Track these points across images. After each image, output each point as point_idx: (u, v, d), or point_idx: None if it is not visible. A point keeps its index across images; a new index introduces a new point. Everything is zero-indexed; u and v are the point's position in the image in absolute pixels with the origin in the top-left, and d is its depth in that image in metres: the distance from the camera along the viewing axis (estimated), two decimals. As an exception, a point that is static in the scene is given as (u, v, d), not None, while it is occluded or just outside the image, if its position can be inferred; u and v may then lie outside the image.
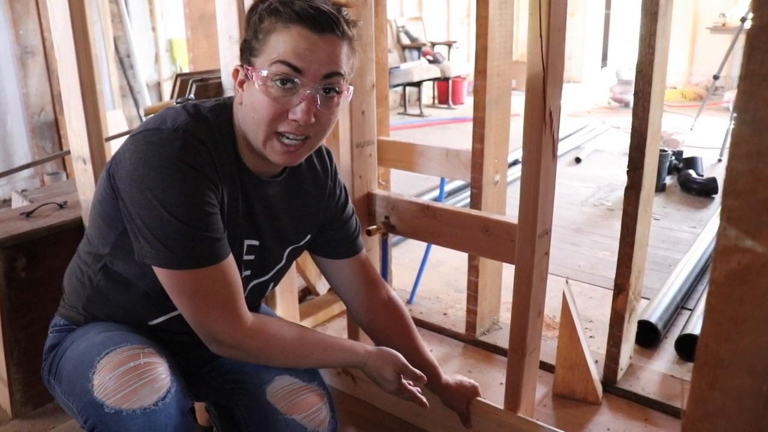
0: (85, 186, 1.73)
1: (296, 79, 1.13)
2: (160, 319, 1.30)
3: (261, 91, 1.14)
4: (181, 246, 1.12)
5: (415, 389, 1.41)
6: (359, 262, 1.51)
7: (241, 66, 1.19)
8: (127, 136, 1.17)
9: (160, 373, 1.12)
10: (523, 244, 1.48)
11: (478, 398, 1.68)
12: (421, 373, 1.38)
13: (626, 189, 1.83)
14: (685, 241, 3.23)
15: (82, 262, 1.30)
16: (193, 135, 1.14)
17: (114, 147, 2.55)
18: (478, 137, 2.02)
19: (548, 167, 1.45)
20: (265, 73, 1.13)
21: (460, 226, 1.64)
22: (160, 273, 1.15)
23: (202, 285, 1.15)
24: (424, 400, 1.41)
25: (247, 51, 1.18)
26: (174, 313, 1.27)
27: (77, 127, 1.69)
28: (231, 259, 1.19)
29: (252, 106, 1.17)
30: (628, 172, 1.82)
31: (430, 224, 1.69)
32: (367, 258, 1.53)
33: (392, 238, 2.57)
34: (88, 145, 1.69)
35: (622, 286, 1.89)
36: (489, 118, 2.01)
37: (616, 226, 3.47)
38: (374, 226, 1.76)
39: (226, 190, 1.21)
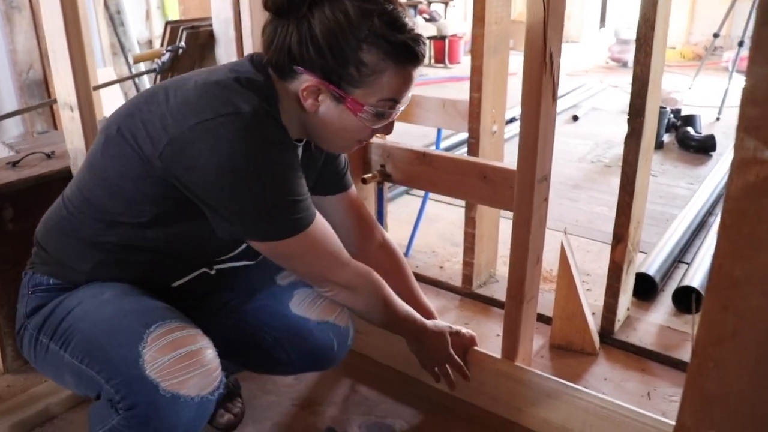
0: (72, 134, 1.68)
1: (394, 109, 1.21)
2: (185, 280, 1.33)
3: (358, 119, 1.19)
4: (289, 218, 1.16)
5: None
6: (350, 200, 1.49)
7: (323, 83, 1.16)
8: (183, 125, 1.11)
9: (213, 359, 1.13)
10: (522, 189, 1.44)
11: (475, 348, 1.67)
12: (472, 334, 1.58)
13: (626, 137, 1.79)
14: (682, 197, 3.21)
15: (87, 227, 1.22)
16: (270, 113, 1.16)
17: (103, 96, 2.50)
18: (476, 86, 1.97)
19: (548, 110, 1.41)
20: (371, 109, 1.17)
21: (457, 173, 1.61)
22: (267, 246, 1.19)
23: (310, 243, 1.21)
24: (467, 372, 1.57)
25: (336, 74, 1.15)
26: (198, 272, 1.33)
27: (63, 72, 1.63)
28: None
29: (337, 125, 1.21)
30: (628, 119, 1.78)
31: (426, 172, 1.65)
32: (359, 198, 1.51)
33: (388, 193, 2.54)
34: (74, 92, 1.63)
35: (620, 237, 1.86)
36: (487, 67, 1.96)
37: (614, 182, 3.44)
38: (369, 175, 1.73)
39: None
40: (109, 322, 1.16)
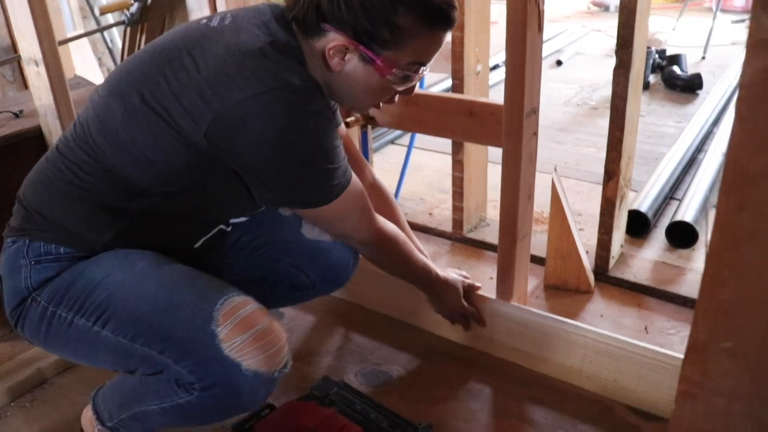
0: (40, 90, 1.61)
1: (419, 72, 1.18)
2: (202, 241, 1.31)
3: (384, 80, 1.16)
4: (332, 184, 1.17)
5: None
6: (341, 137, 1.43)
7: (352, 42, 1.12)
8: (230, 100, 1.05)
9: (282, 333, 1.14)
10: (510, 124, 1.39)
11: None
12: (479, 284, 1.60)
13: (615, 69, 1.74)
14: (670, 135, 3.17)
15: (106, 196, 1.15)
16: (315, 83, 1.13)
17: (74, 54, 2.41)
18: (458, 24, 1.90)
19: (534, 41, 1.36)
20: (399, 72, 1.15)
21: (443, 112, 1.56)
22: (311, 211, 1.20)
23: (344, 206, 1.21)
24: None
25: (367, 35, 1.11)
26: (215, 230, 1.32)
27: (23, 25, 1.55)
28: None
29: (362, 85, 1.17)
30: (616, 51, 1.73)
31: (411, 112, 1.60)
32: (349, 137, 1.47)
33: (372, 143, 2.48)
34: (38, 46, 1.55)
35: (612, 172, 1.83)
36: (468, 4, 1.89)
37: (601, 123, 3.41)
38: (352, 118, 1.67)
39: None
40: (161, 297, 1.11)
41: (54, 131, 1.62)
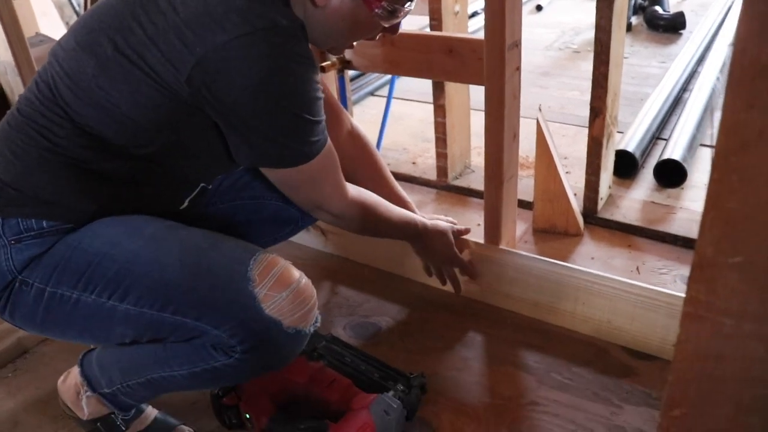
0: (-2, 47, 1.54)
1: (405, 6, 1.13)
2: (186, 202, 1.24)
3: (372, 15, 1.11)
4: (312, 140, 1.10)
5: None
6: None
7: None
8: (213, 41, 0.98)
9: (313, 289, 1.11)
10: (491, 58, 1.33)
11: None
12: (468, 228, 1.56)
13: (598, 2, 1.67)
14: (655, 76, 3.11)
15: (86, 160, 1.07)
16: (300, 25, 1.06)
17: (37, 15, 2.31)
18: (435, -37, 1.83)
19: (514, -30, 1.29)
20: (387, 5, 1.10)
21: (421, 51, 1.49)
22: (285, 172, 1.13)
23: (320, 168, 1.16)
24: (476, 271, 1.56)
25: None
26: (197, 191, 1.24)
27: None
28: None
29: (348, 21, 1.12)
30: (599, -19, 1.66)
31: (388, 53, 1.53)
32: (325, 83, 1.40)
33: (352, 96, 2.41)
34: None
35: (598, 110, 1.77)
36: (444, -61, 1.81)
37: (584, 67, 3.36)
38: (328, 62, 1.60)
39: None
40: (190, 263, 1.05)
41: (15, 89, 1.55)
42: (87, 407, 1.24)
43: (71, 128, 1.05)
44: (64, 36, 1.12)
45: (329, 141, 1.16)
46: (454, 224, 1.56)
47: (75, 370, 1.27)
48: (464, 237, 1.57)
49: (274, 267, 1.05)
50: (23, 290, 1.07)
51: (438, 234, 1.48)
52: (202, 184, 1.26)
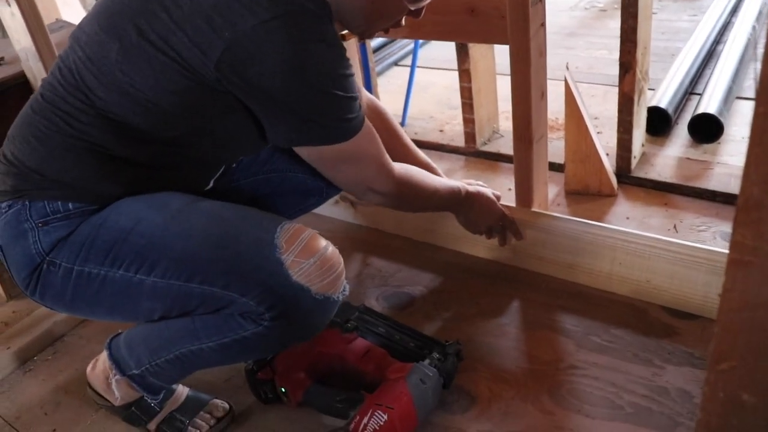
0: (18, 33, 1.53)
1: None
2: (212, 183, 1.26)
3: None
4: (347, 118, 1.09)
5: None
6: None
7: None
8: (243, 25, 0.97)
9: (341, 258, 1.10)
10: (515, 16, 1.29)
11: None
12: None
13: (625, -48, 1.62)
14: (686, 30, 3.02)
15: (110, 146, 1.07)
16: (327, 8, 1.06)
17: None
18: None
19: None
20: None
21: (442, 12, 1.45)
22: (328, 151, 1.12)
23: (361, 146, 1.15)
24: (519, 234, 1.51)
25: None
26: (220, 171, 1.26)
27: (-8, -38, 1.46)
28: None
29: (377, 3, 1.11)
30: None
31: (409, 17, 1.49)
32: None
33: (375, 67, 2.38)
34: (10, -16, 1.47)
35: (628, 65, 1.72)
36: None
37: (612, 25, 3.27)
38: (346, 31, 1.57)
39: None
40: (216, 233, 1.04)
41: (38, 74, 1.55)
42: (118, 391, 1.24)
43: (94, 114, 1.05)
44: (85, 19, 1.11)
45: (367, 120, 1.15)
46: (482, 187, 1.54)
47: (103, 356, 1.27)
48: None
49: (300, 234, 1.05)
50: (51, 271, 1.07)
51: (481, 197, 1.45)
52: (224, 166, 1.26)
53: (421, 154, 1.52)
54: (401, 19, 1.18)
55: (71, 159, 1.07)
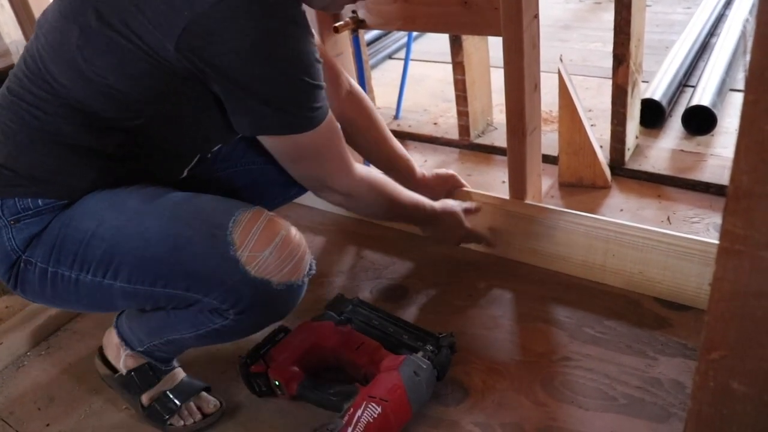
0: (7, 26, 1.52)
1: None
2: (185, 172, 1.24)
3: None
4: (310, 107, 1.06)
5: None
6: None
7: None
8: (202, 4, 0.93)
9: (300, 236, 1.08)
10: (508, 7, 1.29)
11: (467, 189, 1.60)
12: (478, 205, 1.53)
13: (618, -57, 1.61)
14: (680, 22, 3.02)
15: (75, 135, 1.05)
16: None
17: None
18: None
19: None
20: None
21: (436, 4, 1.45)
22: (287, 142, 1.09)
23: (322, 140, 1.12)
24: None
25: None
26: (195, 161, 1.23)
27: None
28: None
29: None
30: None
31: (402, 9, 1.49)
32: (321, 44, 1.38)
33: (369, 60, 2.37)
34: (-1, -24, 1.46)
35: (621, 57, 1.71)
36: None
37: (606, 18, 3.26)
38: (341, 23, 1.57)
39: None
40: (168, 234, 1.03)
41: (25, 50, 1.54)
42: (124, 364, 1.29)
43: (59, 104, 1.03)
44: (49, 5, 1.08)
45: (331, 113, 1.12)
46: (454, 176, 1.59)
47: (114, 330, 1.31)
48: (487, 193, 1.55)
49: (254, 225, 1.02)
50: (28, 269, 1.09)
51: (448, 217, 1.45)
52: (199, 155, 1.24)
53: (397, 144, 1.51)
54: None
55: (38, 153, 1.06)
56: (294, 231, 1.07)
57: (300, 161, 1.15)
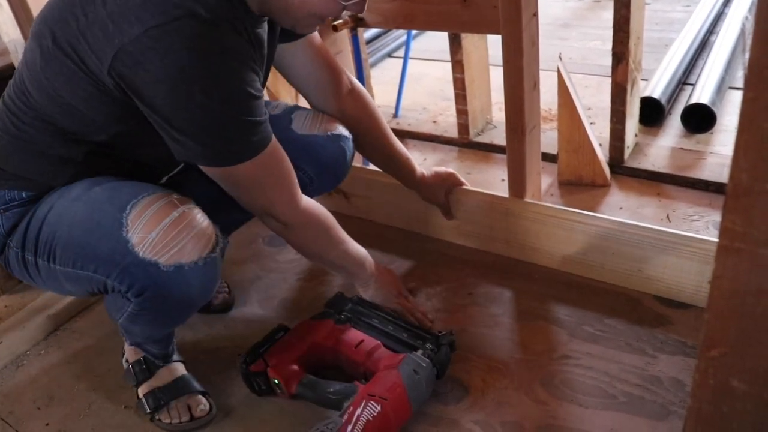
0: (6, 25, 1.52)
1: None
2: (166, 178, 1.28)
3: None
4: (245, 139, 1.05)
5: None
6: (315, 47, 1.36)
7: None
8: (130, 33, 0.94)
9: (201, 218, 1.08)
10: (507, 5, 1.28)
11: (466, 188, 1.59)
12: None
13: (617, -58, 1.61)
14: (679, 20, 3.02)
15: (50, 145, 1.11)
16: (225, 17, 1.00)
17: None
18: None
19: None
20: None
21: (433, 2, 1.44)
22: (217, 171, 1.09)
23: (261, 171, 1.11)
24: (427, 319, 1.45)
25: None
26: (178, 169, 1.27)
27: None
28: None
29: (309, 6, 1.07)
30: None
31: (401, 7, 1.49)
32: (323, 44, 1.38)
33: (368, 58, 2.37)
34: (-2, -25, 1.46)
35: (621, 55, 1.71)
36: None
37: (605, 16, 3.27)
38: (340, 21, 1.57)
39: (257, 55, 1.12)
40: (85, 218, 1.07)
41: (21, 63, 1.54)
42: (128, 356, 1.35)
43: (33, 116, 1.09)
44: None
45: (273, 143, 1.11)
46: (454, 174, 1.59)
47: None
48: (487, 192, 1.55)
49: (149, 207, 1.03)
50: (10, 253, 1.17)
51: (383, 279, 1.45)
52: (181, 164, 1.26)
53: (399, 144, 1.51)
54: (335, 14, 1.13)
55: (19, 158, 1.13)
56: (192, 213, 1.06)
57: (237, 189, 1.15)
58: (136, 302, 1.09)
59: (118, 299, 1.14)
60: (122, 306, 1.15)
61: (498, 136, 2.12)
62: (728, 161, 0.48)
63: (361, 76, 1.88)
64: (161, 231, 1.02)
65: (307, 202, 1.23)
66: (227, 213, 1.25)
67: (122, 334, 1.35)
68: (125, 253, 1.02)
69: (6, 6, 1.47)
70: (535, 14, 1.34)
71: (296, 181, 1.20)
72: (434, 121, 2.33)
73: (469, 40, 1.96)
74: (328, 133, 1.36)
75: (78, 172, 1.14)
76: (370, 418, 1.12)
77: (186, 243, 1.04)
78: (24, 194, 1.15)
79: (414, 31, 2.89)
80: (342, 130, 1.39)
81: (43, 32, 1.04)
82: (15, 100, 1.11)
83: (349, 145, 1.40)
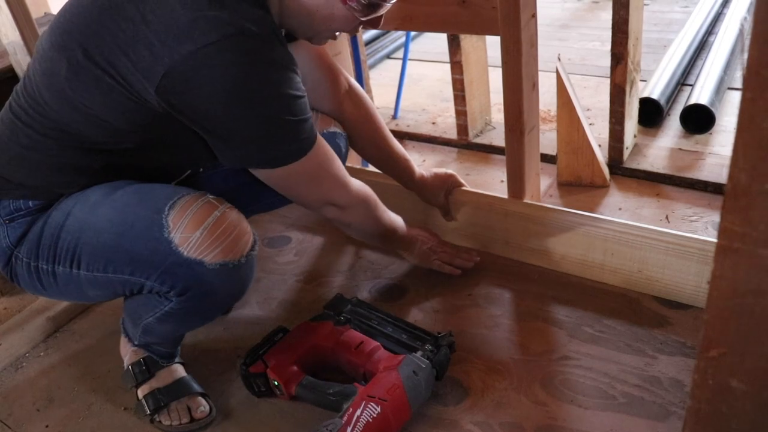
0: (5, 26, 1.52)
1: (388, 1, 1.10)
2: (174, 183, 1.27)
3: (346, 8, 1.08)
4: (296, 139, 1.09)
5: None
6: (312, 46, 1.35)
7: None
8: (180, 52, 0.96)
9: (240, 217, 1.11)
10: (505, 6, 1.29)
11: (466, 189, 1.60)
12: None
13: (616, -58, 1.61)
14: (678, 21, 3.03)
15: (65, 155, 1.11)
16: (268, 30, 1.03)
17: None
18: None
19: None
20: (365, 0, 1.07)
21: (434, 4, 1.45)
22: (275, 173, 1.12)
23: (314, 165, 1.15)
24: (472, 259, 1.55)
25: None
26: (185, 174, 1.28)
27: (-21, -44, 1.45)
28: None
29: (323, 12, 1.10)
30: None
31: (400, 8, 1.49)
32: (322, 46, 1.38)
33: (367, 60, 2.37)
34: (-4, -24, 1.46)
35: (620, 56, 1.71)
36: None
37: (604, 17, 3.27)
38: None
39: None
40: (115, 222, 1.08)
41: (25, 68, 1.54)
42: (129, 358, 1.34)
43: (50, 126, 1.09)
44: (44, 32, 1.13)
45: (319, 137, 1.15)
46: (453, 175, 1.60)
47: None
48: (486, 193, 1.55)
49: (189, 207, 1.06)
50: (19, 264, 1.16)
51: (424, 237, 1.52)
52: (189, 171, 1.29)
53: (396, 144, 1.51)
54: (357, 27, 1.17)
55: (29, 169, 1.13)
56: (232, 213, 1.09)
57: (298, 186, 1.19)
58: (178, 301, 1.11)
59: (152, 299, 1.15)
60: (156, 306, 1.16)
61: (497, 137, 2.12)
62: (727, 162, 0.48)
63: (360, 78, 1.88)
64: (205, 231, 1.04)
65: (354, 180, 1.28)
66: (252, 200, 1.33)
67: (129, 335, 1.34)
68: (168, 254, 1.04)
69: (5, 8, 1.47)
70: (534, 15, 1.34)
71: (342, 167, 1.24)
72: (433, 123, 2.33)
73: (468, 41, 1.96)
74: (324, 131, 1.37)
75: (93, 179, 1.14)
76: (370, 420, 1.12)
77: (229, 242, 1.07)
78: (31, 203, 1.15)
79: (413, 33, 2.89)
80: (336, 128, 1.41)
81: (69, 45, 1.03)
82: (28, 110, 1.10)
83: (344, 142, 1.42)
